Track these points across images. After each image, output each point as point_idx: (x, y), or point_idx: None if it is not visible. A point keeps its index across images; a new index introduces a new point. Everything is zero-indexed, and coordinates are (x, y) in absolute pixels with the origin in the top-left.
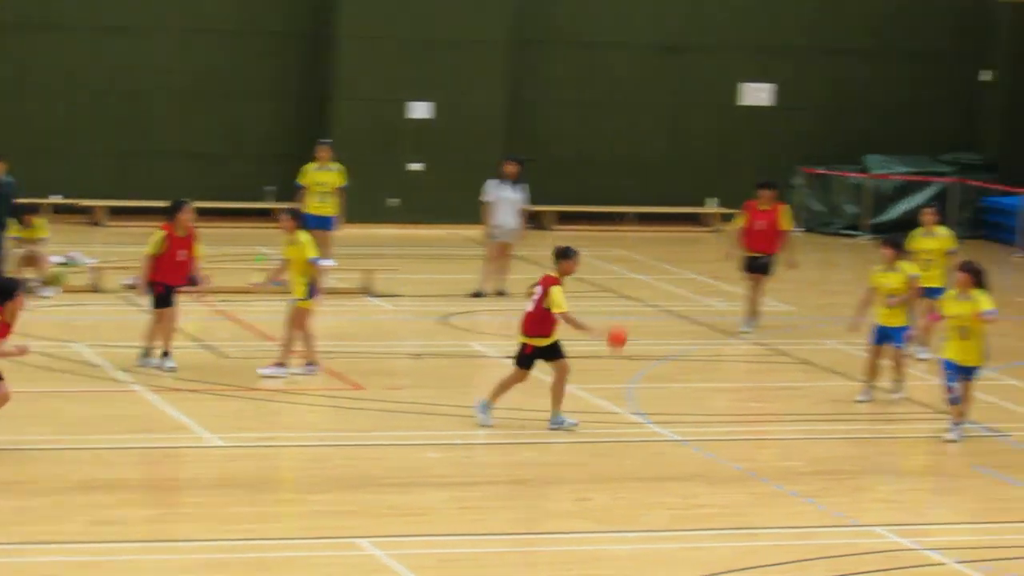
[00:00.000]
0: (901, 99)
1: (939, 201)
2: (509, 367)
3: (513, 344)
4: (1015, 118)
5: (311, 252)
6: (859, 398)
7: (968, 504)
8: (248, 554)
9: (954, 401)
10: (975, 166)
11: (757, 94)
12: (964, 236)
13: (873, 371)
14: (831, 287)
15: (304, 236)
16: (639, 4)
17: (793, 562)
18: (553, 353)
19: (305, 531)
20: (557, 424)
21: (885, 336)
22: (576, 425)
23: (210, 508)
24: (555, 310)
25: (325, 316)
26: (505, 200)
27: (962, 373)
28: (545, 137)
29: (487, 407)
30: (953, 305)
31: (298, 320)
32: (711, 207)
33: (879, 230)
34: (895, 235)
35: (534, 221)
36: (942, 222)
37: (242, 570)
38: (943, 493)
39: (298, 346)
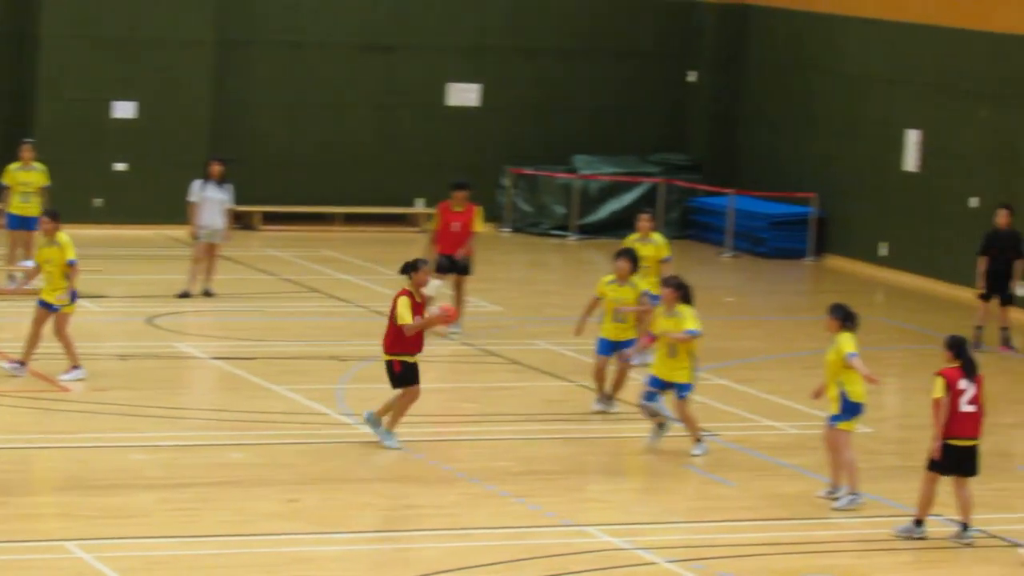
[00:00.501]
0: (608, 100)
1: (648, 202)
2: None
3: (222, 345)
4: (720, 119)
5: (71, 254)
6: (595, 407)
7: (679, 503)
8: None
9: (651, 414)
10: (682, 166)
11: (464, 94)
12: (672, 236)
13: (602, 380)
14: (540, 287)
15: (64, 238)
16: (344, 4)
17: (505, 562)
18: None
19: (11, 535)
20: (385, 438)
21: (612, 349)
22: (399, 448)
23: None
24: (398, 322)
25: (28, 317)
26: (211, 200)
27: (668, 389)
28: (251, 137)
29: (388, 435)
30: (661, 322)
31: (61, 324)
32: (419, 208)
33: (587, 231)
34: (630, 249)
35: (240, 221)
36: (657, 228)
37: None
38: (654, 492)
39: (18, 347)
